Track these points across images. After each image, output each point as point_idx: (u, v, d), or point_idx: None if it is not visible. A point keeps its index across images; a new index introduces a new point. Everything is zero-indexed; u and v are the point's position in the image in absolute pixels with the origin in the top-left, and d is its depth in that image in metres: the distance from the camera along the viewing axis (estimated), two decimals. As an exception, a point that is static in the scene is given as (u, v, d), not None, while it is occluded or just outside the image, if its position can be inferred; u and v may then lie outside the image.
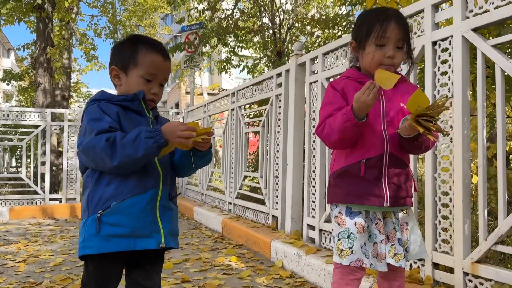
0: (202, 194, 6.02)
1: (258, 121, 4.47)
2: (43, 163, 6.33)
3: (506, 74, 1.82)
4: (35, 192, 6.13)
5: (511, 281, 1.70)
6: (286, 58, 5.93)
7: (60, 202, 6.14)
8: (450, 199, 2.04)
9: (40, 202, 6.10)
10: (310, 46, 6.06)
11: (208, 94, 18.93)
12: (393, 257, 1.46)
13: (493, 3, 1.85)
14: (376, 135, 1.45)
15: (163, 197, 1.41)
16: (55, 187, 6.85)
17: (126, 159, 1.27)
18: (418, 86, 1.87)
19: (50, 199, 6.14)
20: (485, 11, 1.89)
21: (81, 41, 11.68)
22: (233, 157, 4.86)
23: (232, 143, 4.94)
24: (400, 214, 1.52)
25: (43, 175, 6.21)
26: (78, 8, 9.44)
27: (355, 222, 1.45)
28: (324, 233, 3.05)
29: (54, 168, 7.05)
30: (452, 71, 2.03)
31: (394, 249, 1.46)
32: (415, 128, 1.30)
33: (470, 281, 1.90)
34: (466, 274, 1.91)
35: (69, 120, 6.22)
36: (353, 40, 1.54)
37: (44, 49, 7.57)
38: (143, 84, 1.43)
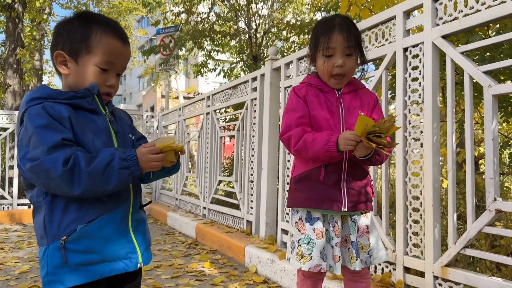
0: (177, 199, 5.93)
1: (233, 125, 4.44)
2: (11, 167, 6.12)
3: (474, 81, 1.86)
4: (3, 197, 5.91)
5: (480, 284, 1.73)
6: (261, 63, 5.93)
7: (29, 207, 5.94)
8: (421, 203, 2.06)
9: (8, 207, 5.89)
10: (285, 51, 6.08)
11: (184, 97, 18.76)
12: (349, 260, 1.51)
13: (462, 11, 1.89)
14: None
15: (134, 209, 1.23)
16: (24, 191, 6.62)
17: (92, 190, 1.08)
18: (389, 92, 1.88)
19: (18, 204, 5.93)
20: (455, 19, 1.93)
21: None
22: (208, 162, 4.82)
23: (207, 148, 4.89)
24: (361, 218, 1.55)
25: (11, 179, 6.00)
26: (51, 8, 9.21)
27: (314, 229, 1.49)
28: (298, 238, 3.03)
29: (22, 172, 6.82)
30: (423, 77, 2.06)
31: (351, 252, 1.51)
32: (368, 145, 1.30)
33: (440, 284, 1.92)
34: (436, 278, 1.93)
35: (39, 123, 6.03)
36: (309, 52, 1.58)
37: (13, 50, 7.33)
38: (98, 75, 1.18)
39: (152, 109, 33.58)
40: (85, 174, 1.05)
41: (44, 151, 1.05)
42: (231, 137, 4.48)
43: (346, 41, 1.46)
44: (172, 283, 2.78)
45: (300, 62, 3.17)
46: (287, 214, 3.19)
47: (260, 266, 3.03)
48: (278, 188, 3.41)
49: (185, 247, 4.00)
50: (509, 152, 1.95)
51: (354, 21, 1.62)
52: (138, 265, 1.21)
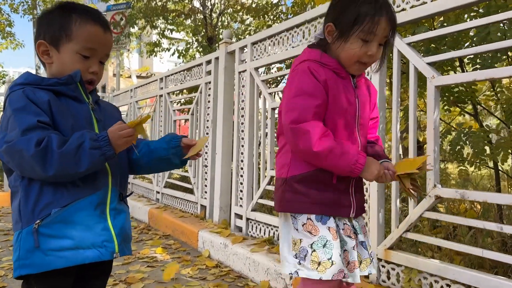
0: (129, 182, 5.80)
1: (187, 109, 4.37)
2: None
3: (418, 71, 1.92)
4: None
5: (419, 265, 1.83)
6: (217, 45, 5.84)
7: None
8: (366, 189, 2.14)
9: None
10: (241, 34, 6.02)
11: (137, 77, 18.23)
12: (359, 266, 1.31)
13: (409, 3, 1.94)
14: (353, 141, 1.31)
15: (113, 198, 1.22)
16: None
17: (64, 172, 1.09)
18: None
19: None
20: (402, 10, 1.98)
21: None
22: (161, 145, 4.72)
23: (161, 131, 4.79)
24: (360, 218, 1.41)
25: None
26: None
27: (329, 228, 1.27)
28: (250, 222, 3.07)
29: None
30: (371, 67, 2.11)
31: (360, 256, 1.32)
32: (401, 186, 1.33)
33: (383, 266, 2.02)
34: (379, 260, 2.03)
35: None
36: (332, 23, 1.29)
37: None
38: (79, 62, 1.20)
39: (104, 88, 32.26)
40: (57, 155, 1.06)
41: (19, 132, 1.07)
42: (186, 120, 4.41)
43: (389, 30, 1.26)
44: (123, 270, 2.74)
45: (254, 47, 3.14)
46: (241, 199, 3.20)
47: (213, 251, 3.04)
48: (232, 172, 3.41)
49: (137, 233, 3.94)
50: (449, 140, 2.05)
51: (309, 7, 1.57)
52: (114, 255, 1.19)
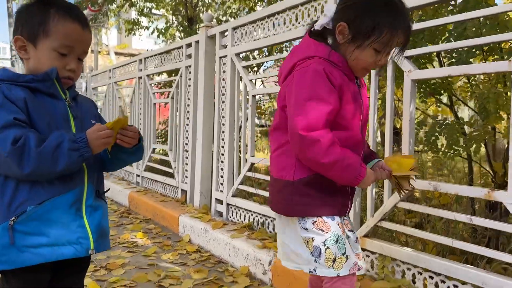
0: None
1: (167, 92, 4.33)
2: None
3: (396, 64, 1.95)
4: None
5: (392, 253, 1.90)
6: (197, 26, 5.73)
7: None
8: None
9: None
10: (222, 15, 5.90)
11: (116, 53, 17.78)
12: None
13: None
14: (359, 141, 1.32)
15: (89, 195, 1.23)
16: None
17: (41, 171, 1.09)
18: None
19: None
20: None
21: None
22: (141, 128, 4.68)
23: (140, 113, 4.74)
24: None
25: None
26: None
27: (338, 223, 1.28)
28: (231, 207, 3.11)
29: None
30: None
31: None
32: (393, 185, 1.37)
33: (230, 206, 2.12)
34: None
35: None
36: (345, 23, 1.22)
37: None
38: (56, 59, 1.19)
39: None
40: (35, 154, 1.07)
41: None
42: (166, 103, 4.37)
43: (404, 41, 1.24)
44: (103, 255, 2.75)
45: (235, 32, 3.12)
46: (221, 184, 3.23)
47: (193, 236, 3.08)
48: (212, 157, 3.42)
49: (117, 216, 3.94)
50: (426, 130, 2.11)
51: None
52: (90, 252, 1.21)
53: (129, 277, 2.37)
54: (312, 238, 1.27)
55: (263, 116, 5.54)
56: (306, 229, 1.28)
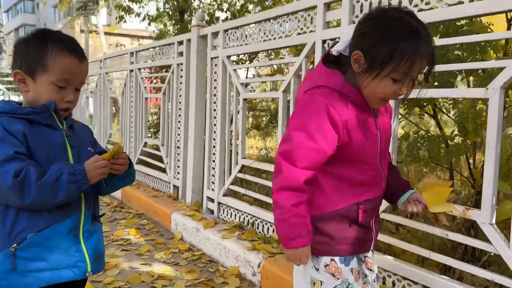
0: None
1: (159, 87, 4.35)
2: None
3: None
4: None
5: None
6: (188, 19, 5.70)
7: None
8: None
9: None
10: (215, 9, 5.84)
11: (105, 33, 17.50)
12: None
13: (375, 14, 2.00)
14: (377, 175, 1.24)
15: (86, 220, 1.28)
16: None
17: (41, 202, 1.16)
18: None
19: None
20: (369, 20, 2.04)
21: None
22: (133, 122, 4.72)
23: (132, 107, 4.76)
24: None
25: None
26: None
27: (352, 269, 1.24)
28: (222, 206, 3.20)
29: None
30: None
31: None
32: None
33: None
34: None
35: None
36: (361, 51, 1.12)
37: None
38: (55, 92, 1.23)
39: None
40: (35, 187, 1.13)
41: None
42: (157, 98, 4.40)
43: (425, 70, 1.13)
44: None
45: (227, 34, 3.14)
46: (213, 183, 3.31)
47: (185, 233, 3.18)
48: (204, 156, 3.49)
49: (110, 211, 4.03)
50: (408, 144, 2.19)
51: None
52: (87, 274, 1.29)
53: (123, 278, 2.47)
54: (321, 281, 1.23)
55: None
56: (317, 269, 1.23)
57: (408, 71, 1.08)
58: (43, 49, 1.23)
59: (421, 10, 1.79)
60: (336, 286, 1.21)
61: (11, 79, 6.21)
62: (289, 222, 1.16)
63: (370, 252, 1.31)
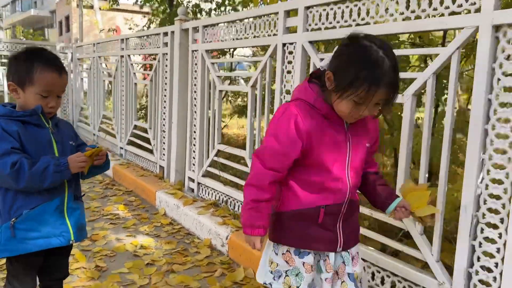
0: (94, 134, 6.13)
1: (147, 74, 4.66)
2: None
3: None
4: None
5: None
6: (177, 9, 5.91)
7: None
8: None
9: None
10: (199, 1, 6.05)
11: (101, 9, 17.57)
12: None
13: (324, 24, 2.31)
14: (341, 184, 1.37)
15: (69, 199, 1.63)
16: None
17: (32, 185, 1.49)
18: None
19: None
20: (319, 29, 2.35)
21: None
22: (124, 106, 5.04)
23: (122, 91, 5.07)
24: (353, 248, 1.49)
25: None
26: None
27: (304, 263, 1.42)
28: (201, 186, 3.57)
29: None
30: (294, 72, 2.52)
31: (346, 285, 1.43)
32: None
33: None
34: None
35: None
36: (331, 72, 1.27)
37: None
38: (40, 100, 1.55)
39: (67, 19, 30.83)
40: (28, 174, 1.46)
41: None
42: (145, 85, 4.70)
43: (385, 96, 1.24)
44: (88, 227, 3.18)
45: (206, 30, 3.44)
46: (193, 165, 3.67)
47: (168, 210, 3.56)
48: (186, 140, 3.83)
49: (102, 188, 4.40)
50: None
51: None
52: (70, 242, 1.66)
53: (110, 248, 2.86)
54: (277, 263, 1.46)
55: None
56: (276, 254, 1.46)
57: (366, 98, 1.21)
58: (30, 66, 1.54)
59: (358, 24, 2.10)
60: (288, 270, 1.43)
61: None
62: (248, 213, 1.38)
63: (345, 253, 1.44)
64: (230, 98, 6.70)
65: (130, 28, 7.84)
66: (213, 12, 5.70)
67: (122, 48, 5.06)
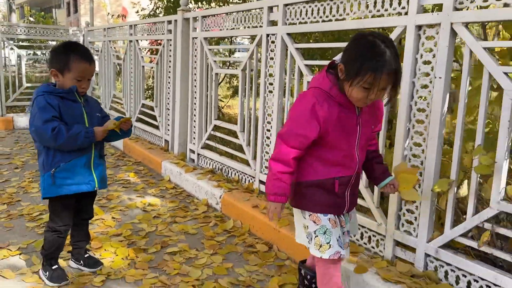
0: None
1: (154, 57, 5.16)
2: None
3: (300, 70, 2.84)
4: None
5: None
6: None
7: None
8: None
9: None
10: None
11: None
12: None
13: (298, 19, 2.79)
14: (351, 159, 1.63)
15: (95, 157, 2.15)
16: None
17: (67, 146, 2.01)
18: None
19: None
20: (295, 23, 2.84)
21: None
22: (132, 86, 5.56)
23: (131, 73, 5.58)
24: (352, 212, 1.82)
25: None
26: None
27: (329, 219, 1.65)
28: (200, 156, 4.12)
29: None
30: (274, 62, 3.01)
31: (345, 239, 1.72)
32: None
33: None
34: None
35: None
36: (343, 64, 1.50)
37: None
38: (75, 83, 2.06)
39: (75, 0, 31.08)
40: (65, 137, 1.97)
41: (41, 122, 1.97)
42: (152, 68, 5.20)
43: (390, 82, 1.46)
44: (104, 190, 3.78)
45: (204, 20, 3.93)
46: (194, 138, 4.21)
47: (172, 176, 4.12)
48: (188, 117, 4.36)
49: (114, 159, 4.96)
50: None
51: None
52: (95, 188, 2.21)
53: (123, 205, 3.43)
54: (307, 225, 1.69)
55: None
56: (305, 218, 1.70)
57: (373, 83, 1.43)
58: (67, 57, 2.06)
59: (323, 21, 2.60)
60: (316, 229, 1.66)
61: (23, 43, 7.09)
62: (273, 183, 1.61)
63: (346, 214, 1.75)
64: (230, 80, 7.14)
65: (137, 12, 8.27)
66: (212, 2, 6.13)
67: (130, 33, 5.55)
